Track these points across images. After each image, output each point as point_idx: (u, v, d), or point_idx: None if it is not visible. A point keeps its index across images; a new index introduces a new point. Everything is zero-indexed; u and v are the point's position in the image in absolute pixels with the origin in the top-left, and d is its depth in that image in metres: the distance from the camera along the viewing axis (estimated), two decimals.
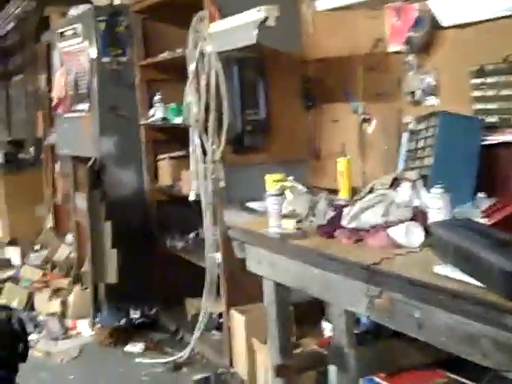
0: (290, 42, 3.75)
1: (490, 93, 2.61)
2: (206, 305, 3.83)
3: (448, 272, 1.88)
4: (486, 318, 1.70)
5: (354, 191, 2.86)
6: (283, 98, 3.77)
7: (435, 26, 2.95)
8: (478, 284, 1.77)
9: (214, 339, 4.02)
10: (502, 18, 2.64)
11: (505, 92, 2.56)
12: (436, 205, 2.23)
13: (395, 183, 2.48)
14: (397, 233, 2.24)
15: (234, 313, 3.68)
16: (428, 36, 3.00)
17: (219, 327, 3.96)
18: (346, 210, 2.45)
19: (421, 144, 2.67)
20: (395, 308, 2.00)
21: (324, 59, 3.66)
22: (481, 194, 2.47)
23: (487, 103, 2.62)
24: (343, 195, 2.89)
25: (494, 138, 2.53)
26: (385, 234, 2.26)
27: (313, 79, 3.78)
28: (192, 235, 4.44)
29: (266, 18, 3.02)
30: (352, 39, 3.43)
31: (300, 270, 2.44)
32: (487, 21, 2.70)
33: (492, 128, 2.58)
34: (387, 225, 2.30)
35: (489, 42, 2.70)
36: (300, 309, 3.27)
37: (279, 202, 2.58)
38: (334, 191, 2.99)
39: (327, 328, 3.24)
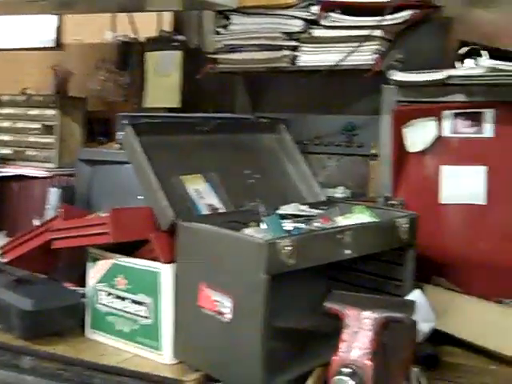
0: None
1: (6, 124, 2.56)
2: None
3: None
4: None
5: None
6: None
7: None
8: None
9: None
10: (20, 49, 2.63)
11: (20, 125, 2.54)
12: None
13: None
14: None
15: None
16: None
17: None
18: None
19: None
20: None
21: None
22: None
23: (2, 134, 2.57)
24: None
25: (7, 171, 2.48)
26: None
27: None
28: None
29: None
30: None
31: None
32: (4, 50, 2.66)
33: (6, 160, 2.53)
34: None
35: (6, 73, 2.66)
36: None
37: None
38: None
39: None
